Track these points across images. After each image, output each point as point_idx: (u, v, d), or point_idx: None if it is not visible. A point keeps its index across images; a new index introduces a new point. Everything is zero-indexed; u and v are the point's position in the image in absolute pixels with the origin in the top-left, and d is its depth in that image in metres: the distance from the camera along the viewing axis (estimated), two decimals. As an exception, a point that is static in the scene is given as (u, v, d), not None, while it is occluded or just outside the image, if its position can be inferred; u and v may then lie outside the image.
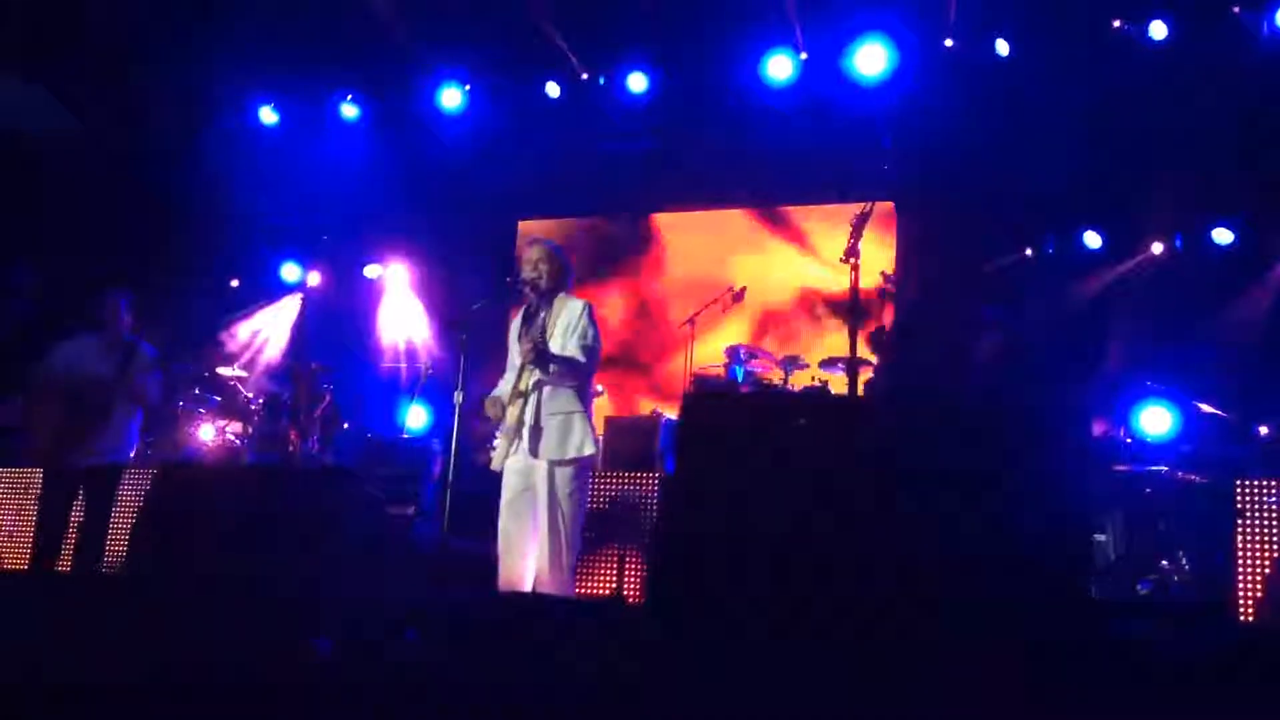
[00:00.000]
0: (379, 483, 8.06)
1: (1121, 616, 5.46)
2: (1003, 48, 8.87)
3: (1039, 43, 8.80)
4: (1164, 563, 6.88)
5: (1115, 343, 8.46)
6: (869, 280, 8.81)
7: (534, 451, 5.38)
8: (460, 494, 7.05)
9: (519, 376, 5.48)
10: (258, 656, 3.49)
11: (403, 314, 11.14)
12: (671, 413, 8.21)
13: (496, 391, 5.61)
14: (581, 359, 5.41)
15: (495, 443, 5.55)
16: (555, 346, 5.43)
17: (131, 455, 7.08)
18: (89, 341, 6.95)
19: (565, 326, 5.48)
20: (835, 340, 9.34)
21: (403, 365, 10.66)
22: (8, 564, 7.88)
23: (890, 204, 9.59)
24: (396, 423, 9.95)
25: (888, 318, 9.19)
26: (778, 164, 9.80)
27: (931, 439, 3.73)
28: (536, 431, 5.39)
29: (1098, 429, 7.64)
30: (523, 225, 10.75)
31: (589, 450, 5.39)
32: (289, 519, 5.34)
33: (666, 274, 10.70)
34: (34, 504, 7.21)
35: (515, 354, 5.58)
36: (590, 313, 5.53)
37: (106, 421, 6.76)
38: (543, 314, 5.56)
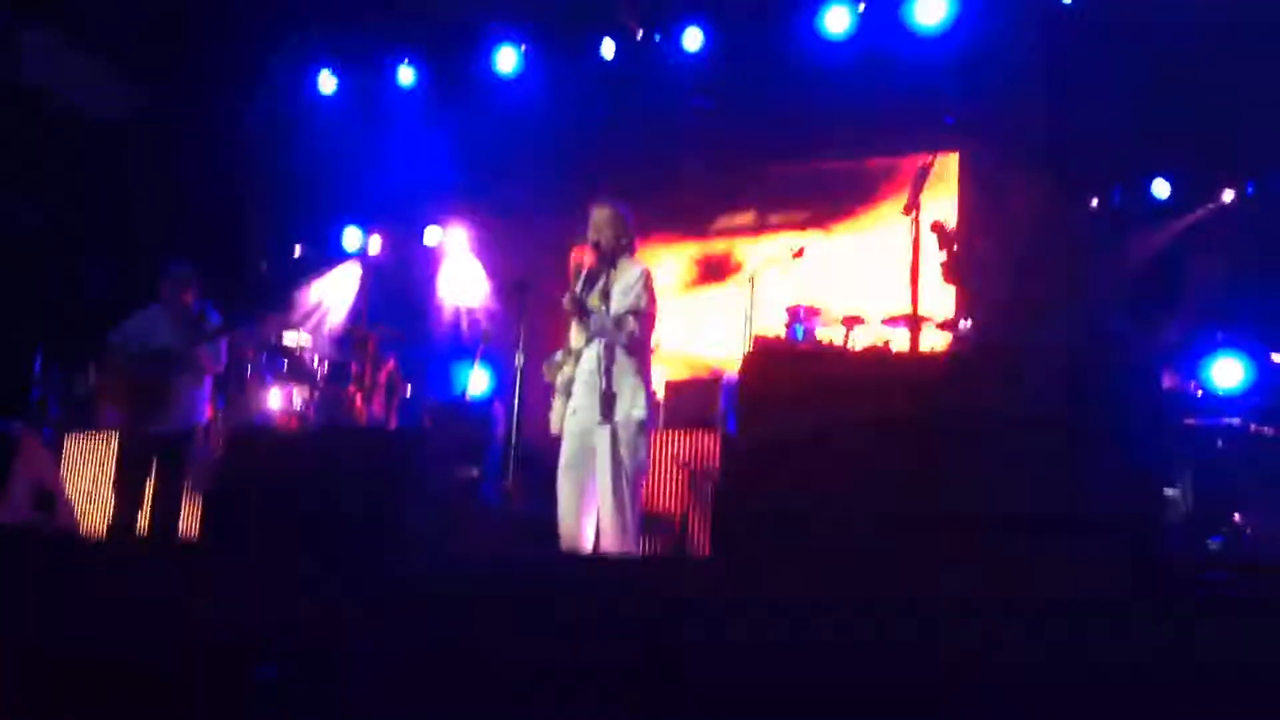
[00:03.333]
0: (443, 446, 8.09)
1: (1193, 571, 5.40)
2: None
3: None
4: (1236, 517, 6.77)
5: (1186, 294, 8.30)
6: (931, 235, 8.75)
7: (589, 414, 5.40)
8: (523, 456, 7.10)
9: (572, 336, 5.53)
10: (330, 621, 3.53)
11: (463, 277, 11.23)
12: (733, 372, 8.14)
13: (552, 358, 5.66)
14: (631, 323, 5.44)
15: (553, 406, 5.60)
16: (613, 307, 5.46)
17: (203, 422, 7.23)
18: (155, 313, 7.14)
19: (623, 291, 5.51)
20: (897, 298, 9.27)
21: (466, 328, 10.79)
22: (87, 528, 8.07)
23: (954, 155, 9.51)
24: (459, 386, 10.05)
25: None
26: (837, 118, 9.71)
27: (1005, 393, 3.73)
28: (591, 393, 5.41)
29: (1168, 382, 7.52)
30: (579, 187, 10.75)
31: (640, 413, 5.40)
32: (356, 481, 5.43)
33: (726, 233, 10.66)
34: (112, 470, 7.38)
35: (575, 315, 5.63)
36: (647, 279, 5.53)
37: (173, 390, 6.95)
38: (605, 276, 5.57)
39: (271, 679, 3.17)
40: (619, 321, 5.42)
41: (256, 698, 3.10)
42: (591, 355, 5.44)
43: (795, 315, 8.34)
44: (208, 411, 7.27)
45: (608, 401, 5.35)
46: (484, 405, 9.14)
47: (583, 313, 5.44)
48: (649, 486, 7.12)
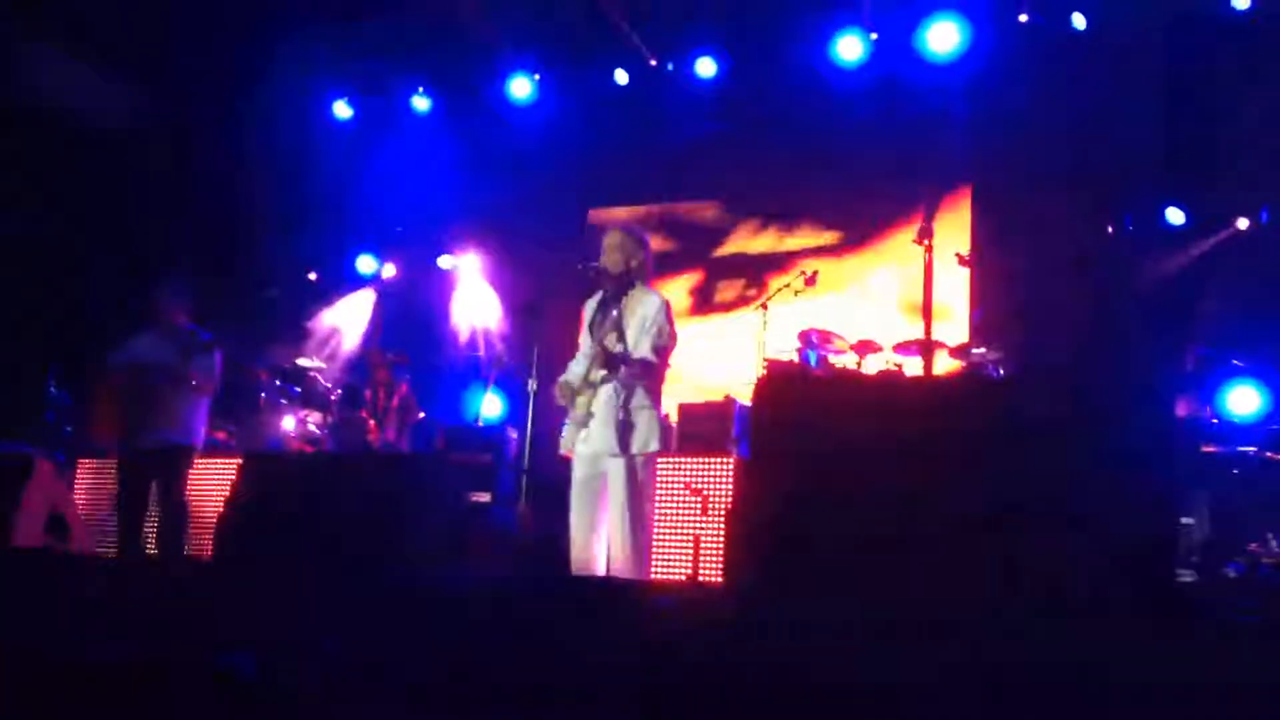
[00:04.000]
0: (456, 470, 8.14)
1: (1209, 598, 5.36)
2: (1079, 21, 8.68)
3: (1115, 14, 8.59)
4: (1252, 545, 6.72)
5: (1201, 321, 8.26)
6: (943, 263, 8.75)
7: (601, 444, 5.39)
8: (536, 480, 7.06)
9: (589, 368, 5.50)
10: (348, 642, 3.53)
11: (476, 303, 11.24)
12: (745, 398, 8.15)
13: (567, 375, 5.62)
14: (653, 360, 5.44)
15: (564, 427, 5.58)
16: (629, 341, 5.43)
17: (198, 443, 7.24)
18: (151, 331, 7.18)
19: (640, 323, 5.47)
20: (909, 324, 9.28)
21: (481, 354, 10.77)
22: (98, 550, 8.06)
23: (966, 187, 9.51)
24: (472, 411, 10.04)
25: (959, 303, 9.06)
26: (850, 145, 9.73)
27: (1017, 417, 3.70)
28: (605, 424, 5.40)
29: (1183, 409, 7.48)
30: (593, 213, 10.80)
31: (654, 446, 5.40)
32: (371, 506, 5.41)
33: (737, 259, 10.66)
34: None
35: (588, 341, 5.59)
36: (667, 312, 5.50)
37: (166, 408, 6.96)
38: (618, 303, 5.54)
39: (249, 675, 3.16)
40: (637, 362, 5.42)
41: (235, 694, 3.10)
42: (609, 389, 5.44)
43: (808, 340, 8.34)
44: (201, 433, 7.26)
45: (624, 434, 5.37)
46: (496, 430, 9.13)
47: (611, 360, 5.42)
48: (660, 510, 7.10)
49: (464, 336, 11.21)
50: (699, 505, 7.20)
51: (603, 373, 5.44)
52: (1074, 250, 8.55)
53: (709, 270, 10.76)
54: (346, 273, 11.56)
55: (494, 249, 11.15)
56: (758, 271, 10.43)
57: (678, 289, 10.63)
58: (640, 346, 5.43)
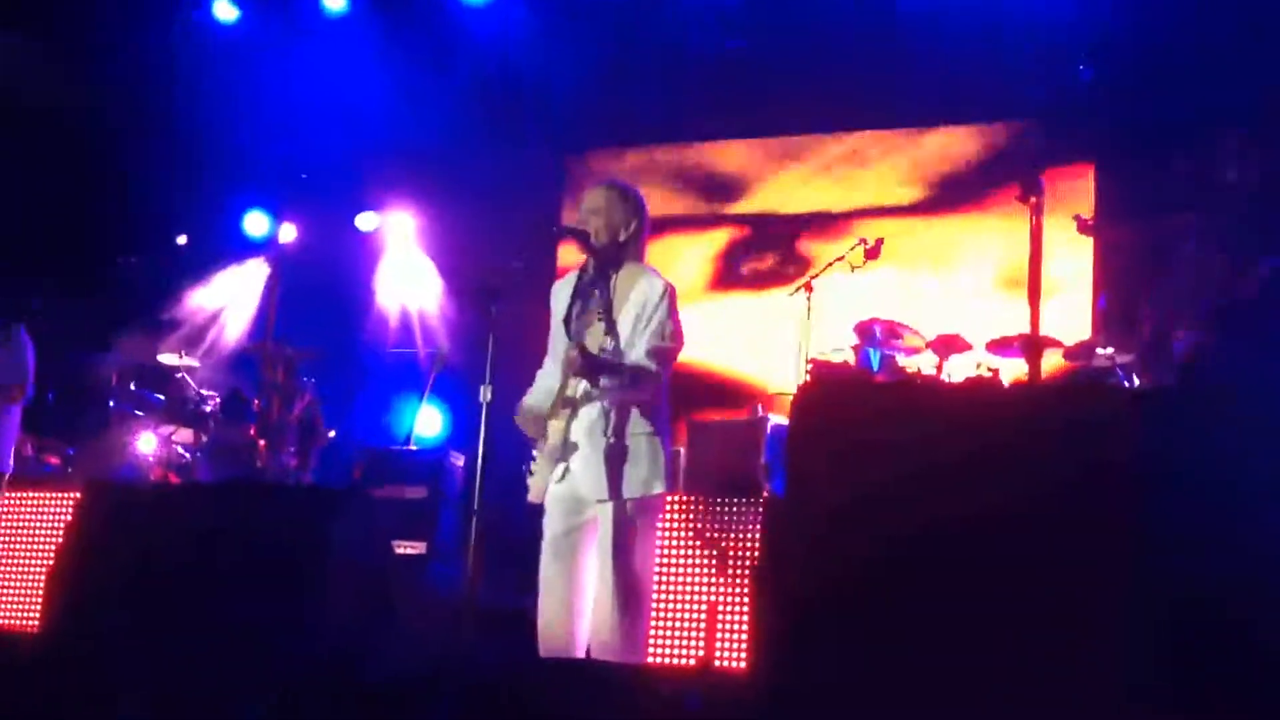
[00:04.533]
0: (379, 511, 8.09)
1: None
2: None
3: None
4: None
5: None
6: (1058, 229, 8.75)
7: (585, 485, 5.35)
8: (491, 526, 7.06)
9: (564, 378, 5.44)
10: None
11: (409, 280, 11.30)
12: (781, 414, 8.16)
13: (531, 399, 5.55)
14: (653, 367, 5.35)
15: (533, 466, 5.52)
16: (621, 339, 5.34)
17: (4, 467, 7.27)
18: None
19: (635, 315, 5.39)
20: (1009, 313, 9.24)
21: (417, 350, 10.85)
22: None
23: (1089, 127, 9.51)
24: (402, 429, 10.04)
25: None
26: (924, 68, 9.70)
27: (1152, 446, 3.67)
28: (590, 458, 5.35)
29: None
30: (573, 160, 10.87)
31: (657, 488, 5.33)
32: (260, 560, 5.38)
33: (770, 221, 10.71)
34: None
35: (563, 339, 5.53)
36: (670, 300, 5.40)
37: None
38: (603, 287, 5.47)
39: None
40: (636, 374, 5.34)
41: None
42: (594, 410, 5.42)
43: (868, 334, 8.36)
44: (8, 455, 7.23)
45: (616, 472, 5.31)
46: (436, 455, 9.12)
47: (590, 366, 5.35)
48: (661, 571, 7.14)
49: (392, 326, 11.28)
50: (715, 563, 7.22)
51: (583, 385, 5.39)
52: (1246, 212, 8.56)
53: (731, 235, 10.78)
54: (230, 236, 11.59)
55: (435, 207, 11.20)
56: (799, 237, 10.48)
57: (688, 260, 10.64)
58: (635, 348, 5.36)
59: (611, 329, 5.41)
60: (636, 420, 5.40)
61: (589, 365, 5.30)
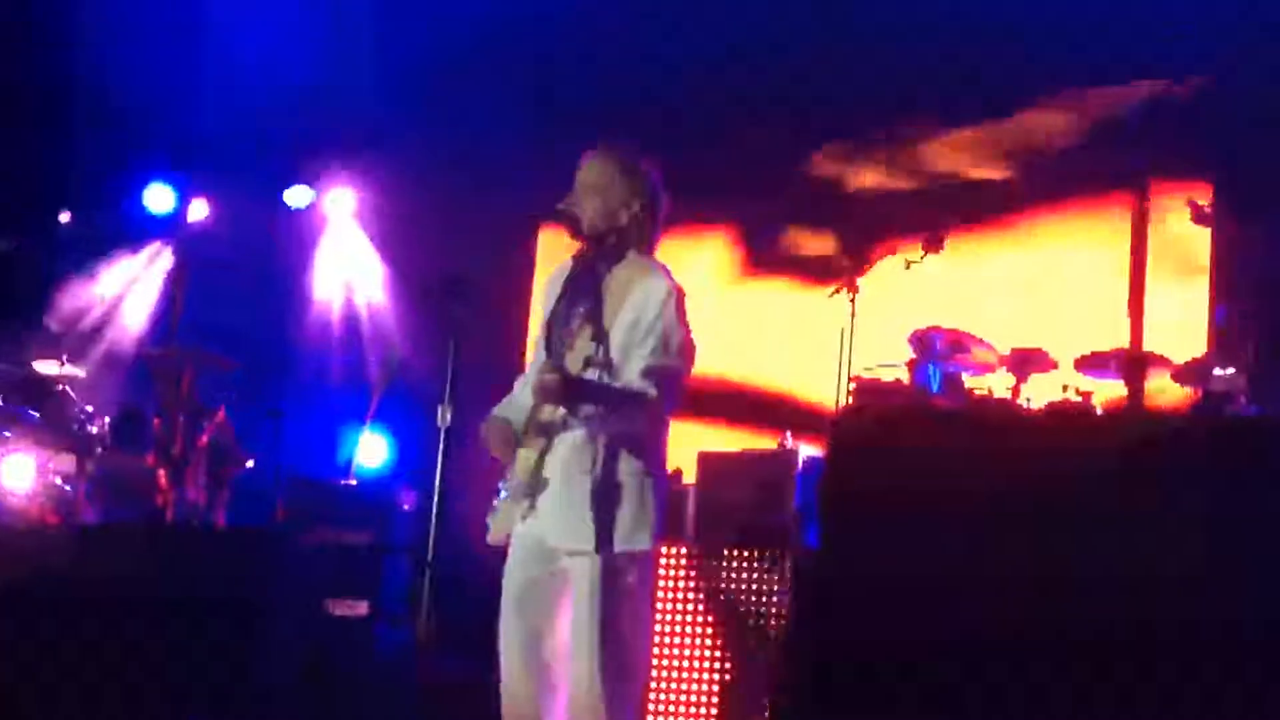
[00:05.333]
0: (310, 560, 8.10)
1: None
2: None
3: None
4: None
5: None
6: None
7: (557, 531, 5.37)
8: (448, 580, 7.14)
9: (538, 402, 5.41)
10: None
11: (351, 271, 11.44)
12: (815, 446, 8.30)
13: (503, 408, 5.60)
14: (650, 392, 5.34)
15: (497, 501, 5.55)
16: (613, 353, 5.36)
17: None
18: None
19: (632, 320, 5.41)
20: (1104, 325, 9.25)
21: (362, 358, 11.04)
22: None
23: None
24: (340, 457, 10.18)
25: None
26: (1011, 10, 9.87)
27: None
28: (562, 499, 5.37)
29: None
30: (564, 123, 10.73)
31: (644, 542, 5.37)
32: (161, 620, 5.57)
33: (808, 200, 10.84)
34: None
35: (539, 362, 5.46)
36: (678, 307, 5.41)
37: None
38: (595, 285, 5.51)
39: None
40: (629, 401, 5.33)
41: None
42: (573, 439, 5.38)
43: (927, 346, 8.43)
44: None
45: (599, 516, 5.32)
46: (381, 490, 9.28)
47: (567, 388, 5.20)
48: (661, 638, 7.22)
49: (329, 329, 11.42)
50: (729, 631, 7.31)
51: (560, 410, 5.38)
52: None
53: (756, 217, 10.94)
54: (126, 213, 11.67)
55: (386, 180, 11.34)
56: (845, 224, 10.59)
57: (701, 250, 10.78)
58: (629, 367, 5.38)
59: (601, 338, 5.32)
60: (623, 456, 5.37)
61: (567, 391, 5.25)
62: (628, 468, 5.38)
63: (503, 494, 5.49)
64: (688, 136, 10.48)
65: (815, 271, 10.49)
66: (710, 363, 9.30)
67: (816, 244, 10.83)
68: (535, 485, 5.39)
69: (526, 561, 5.44)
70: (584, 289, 5.52)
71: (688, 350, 5.45)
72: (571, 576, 5.35)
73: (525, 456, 5.44)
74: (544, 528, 5.39)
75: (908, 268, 8.75)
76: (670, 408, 5.44)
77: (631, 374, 5.33)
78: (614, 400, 5.32)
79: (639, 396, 5.32)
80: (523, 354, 5.82)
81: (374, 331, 11.31)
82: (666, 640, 7.29)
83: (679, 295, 5.42)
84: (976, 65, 10.13)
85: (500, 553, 5.57)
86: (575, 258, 5.58)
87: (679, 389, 5.46)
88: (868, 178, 10.83)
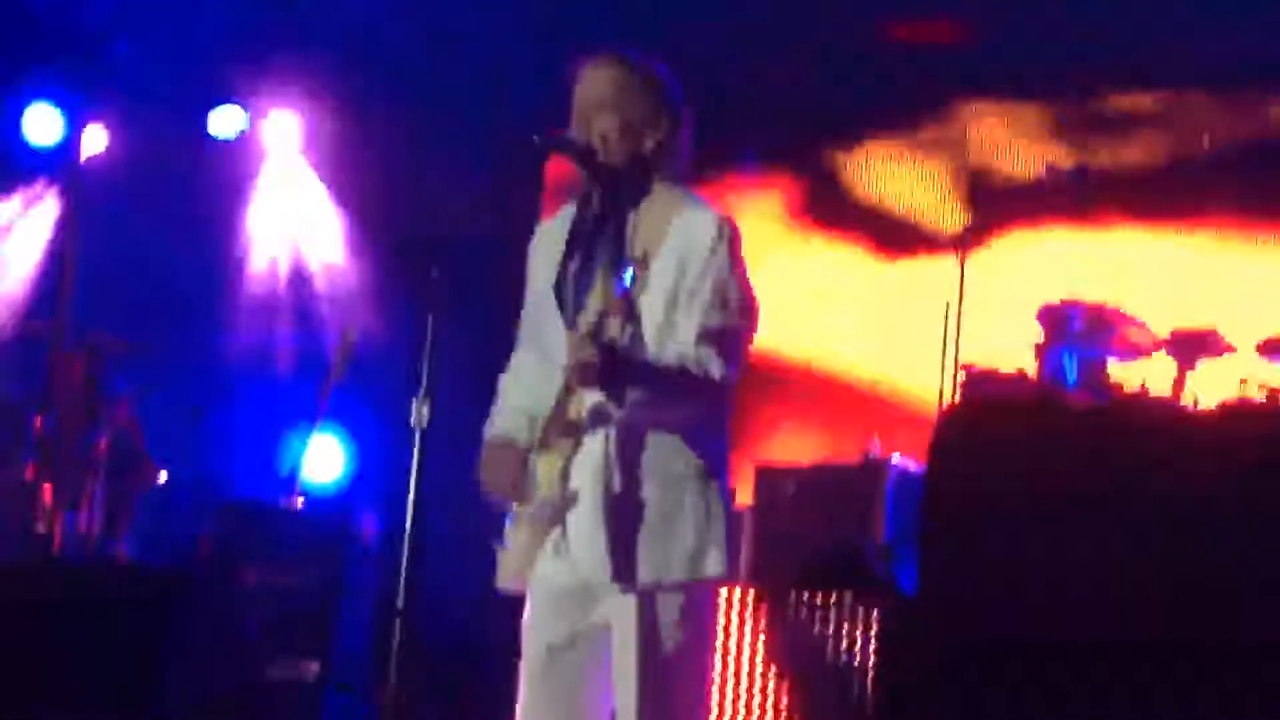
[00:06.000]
0: (243, 608, 8.18)
1: None
2: None
3: None
4: None
5: None
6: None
7: (593, 564, 5.24)
8: (423, 636, 7.07)
9: (566, 389, 5.27)
10: None
11: (296, 223, 11.48)
12: (914, 455, 8.17)
13: (502, 423, 5.45)
14: (713, 366, 5.24)
15: (506, 533, 5.40)
16: (650, 319, 5.25)
17: None
18: None
19: (675, 275, 5.28)
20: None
21: (311, 337, 11.02)
22: None
23: None
24: (282, 468, 10.03)
25: None
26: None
27: None
28: (601, 520, 5.23)
29: None
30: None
31: (713, 568, 5.23)
32: (40, 689, 5.42)
33: (892, 148, 10.83)
34: None
35: (550, 326, 5.43)
36: (732, 246, 5.29)
37: None
38: (617, 228, 5.40)
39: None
40: (686, 378, 5.24)
41: None
42: (609, 439, 5.24)
43: (1061, 325, 8.41)
44: None
45: (646, 538, 5.21)
46: (335, 515, 9.32)
47: (610, 368, 5.13)
48: (721, 701, 7.30)
49: (268, 298, 11.41)
50: (793, 701, 7.33)
51: (592, 400, 5.28)
52: None
53: (824, 160, 10.93)
54: (4, 145, 11.68)
55: (342, 103, 11.36)
56: (949, 160, 10.59)
57: (761, 211, 10.74)
58: (676, 332, 5.28)
59: (627, 308, 5.19)
60: (680, 455, 5.28)
61: (615, 370, 5.11)
62: (686, 469, 5.26)
63: (517, 520, 5.34)
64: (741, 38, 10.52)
65: (902, 237, 10.64)
66: (768, 343, 9.55)
67: (904, 190, 10.83)
68: (564, 505, 5.24)
69: (558, 611, 5.33)
70: (600, 237, 5.40)
71: (751, 306, 5.32)
72: (615, 628, 5.25)
73: (546, 469, 5.29)
74: (578, 561, 5.25)
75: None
76: (734, 381, 5.27)
77: (684, 344, 5.20)
78: (669, 380, 5.17)
79: (699, 370, 5.16)
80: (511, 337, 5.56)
81: (327, 303, 11.33)
82: (727, 703, 7.44)
83: (734, 232, 5.29)
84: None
85: (506, 600, 5.43)
86: (580, 201, 5.47)
87: (743, 359, 5.33)
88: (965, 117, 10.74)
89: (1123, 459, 4.27)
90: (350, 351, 9.81)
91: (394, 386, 8.23)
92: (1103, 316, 8.40)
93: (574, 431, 5.25)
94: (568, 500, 5.22)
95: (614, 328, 5.16)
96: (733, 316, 5.24)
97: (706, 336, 5.17)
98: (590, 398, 5.20)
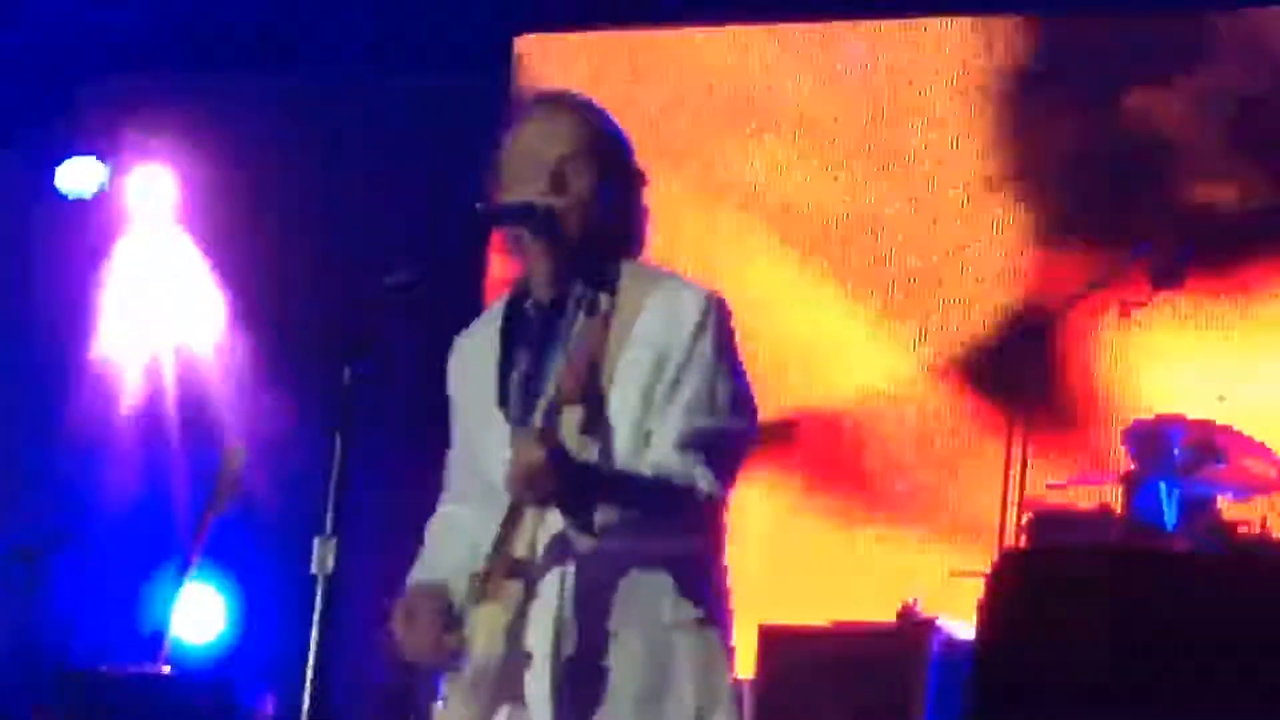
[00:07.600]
0: None
1: None
2: None
3: None
4: None
5: None
6: None
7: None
8: None
9: (512, 517, 5.24)
10: None
11: (166, 305, 11.51)
12: (958, 615, 8.01)
13: (425, 570, 5.39)
14: (702, 483, 5.15)
15: (441, 701, 5.39)
16: (621, 428, 5.18)
17: None
18: None
19: (650, 362, 5.22)
20: None
21: (187, 452, 10.95)
22: None
23: None
24: (141, 630, 10.04)
25: None
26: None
27: None
28: (567, 683, 5.16)
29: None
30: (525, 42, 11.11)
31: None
32: None
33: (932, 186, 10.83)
34: None
35: (494, 457, 5.31)
36: (719, 331, 5.26)
37: None
38: (573, 316, 5.35)
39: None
40: (669, 494, 5.13)
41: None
42: (572, 578, 5.23)
43: (1158, 449, 8.36)
44: None
45: (629, 701, 5.13)
46: (215, 685, 9.27)
47: (569, 491, 5.01)
48: None
49: (127, 404, 11.41)
50: None
51: (548, 531, 5.14)
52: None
53: (800, 224, 10.92)
54: None
55: (229, 153, 11.34)
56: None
57: (745, 283, 10.74)
58: (654, 439, 5.20)
59: (593, 409, 5.15)
60: (666, 598, 5.20)
61: (573, 480, 4.99)
62: (675, 617, 5.15)
63: (450, 696, 5.29)
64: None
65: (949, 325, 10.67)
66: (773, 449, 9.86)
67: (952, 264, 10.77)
68: (509, 666, 5.12)
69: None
70: (550, 332, 5.34)
71: (746, 403, 5.26)
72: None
73: (488, 622, 5.15)
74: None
75: (1125, 314, 8.98)
76: (724, 500, 5.20)
77: (665, 450, 5.09)
78: (646, 497, 5.08)
79: (685, 484, 5.07)
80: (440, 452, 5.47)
81: (203, 412, 11.28)
82: None
83: (722, 313, 5.26)
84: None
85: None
86: (513, 297, 5.45)
87: (737, 467, 5.23)
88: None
89: (1242, 625, 4.18)
90: (235, 478, 9.72)
91: (290, 524, 8.19)
92: (1214, 439, 8.33)
93: (523, 572, 5.14)
94: (519, 662, 5.12)
95: (573, 423, 5.07)
96: (723, 417, 5.16)
97: (691, 443, 5.08)
98: (546, 527, 5.09)
